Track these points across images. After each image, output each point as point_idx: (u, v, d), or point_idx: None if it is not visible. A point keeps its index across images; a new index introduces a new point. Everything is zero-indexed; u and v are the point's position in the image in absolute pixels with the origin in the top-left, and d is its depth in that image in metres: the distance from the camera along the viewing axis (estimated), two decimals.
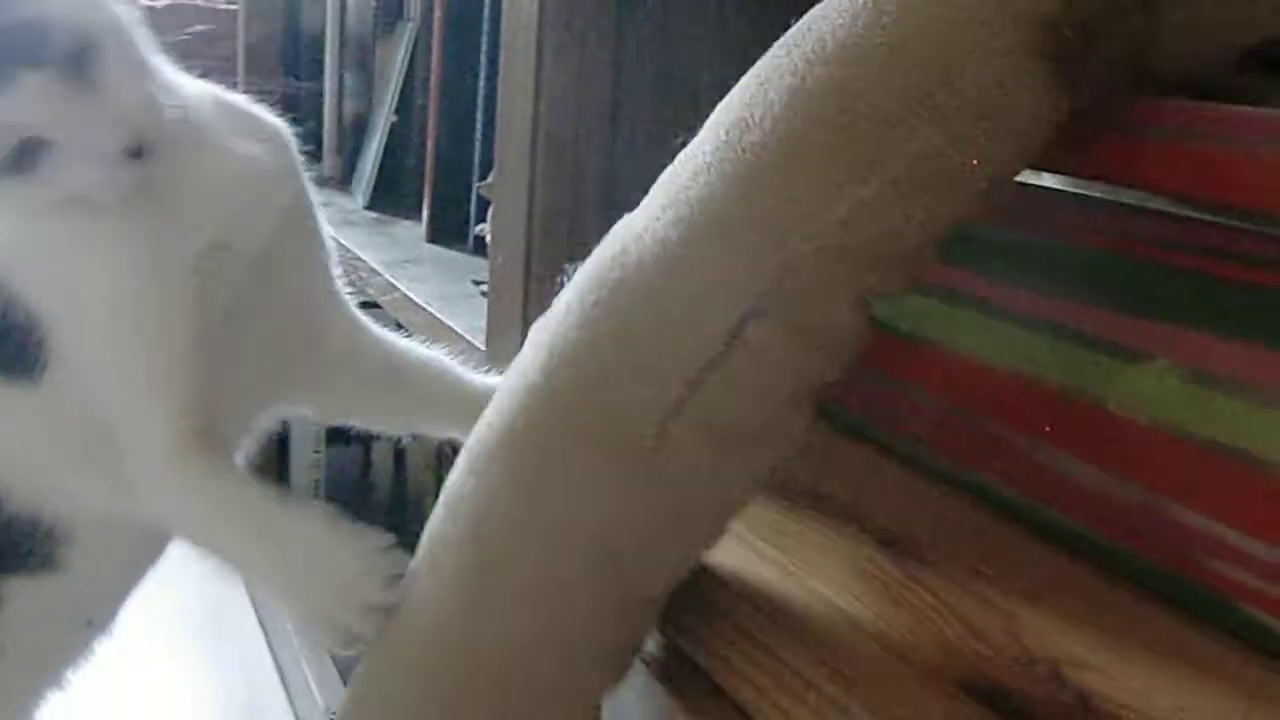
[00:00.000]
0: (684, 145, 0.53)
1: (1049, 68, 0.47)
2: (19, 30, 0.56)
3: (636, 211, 0.53)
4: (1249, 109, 0.48)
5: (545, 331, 0.54)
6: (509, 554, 0.53)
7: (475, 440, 0.55)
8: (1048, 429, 0.60)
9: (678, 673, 0.57)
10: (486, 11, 1.26)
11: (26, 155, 0.56)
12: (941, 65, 0.46)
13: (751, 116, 0.49)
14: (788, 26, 0.51)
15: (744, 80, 0.51)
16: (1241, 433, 0.51)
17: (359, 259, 1.23)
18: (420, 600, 0.56)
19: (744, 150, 0.49)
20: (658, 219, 0.51)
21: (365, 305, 0.75)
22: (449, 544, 0.55)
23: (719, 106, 0.52)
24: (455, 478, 0.56)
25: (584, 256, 0.76)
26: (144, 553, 0.70)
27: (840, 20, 0.48)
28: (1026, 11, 0.46)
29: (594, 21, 0.79)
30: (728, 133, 0.50)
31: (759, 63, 0.51)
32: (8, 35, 0.55)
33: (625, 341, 0.51)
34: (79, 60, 0.57)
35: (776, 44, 0.51)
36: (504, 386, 0.55)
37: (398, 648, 0.57)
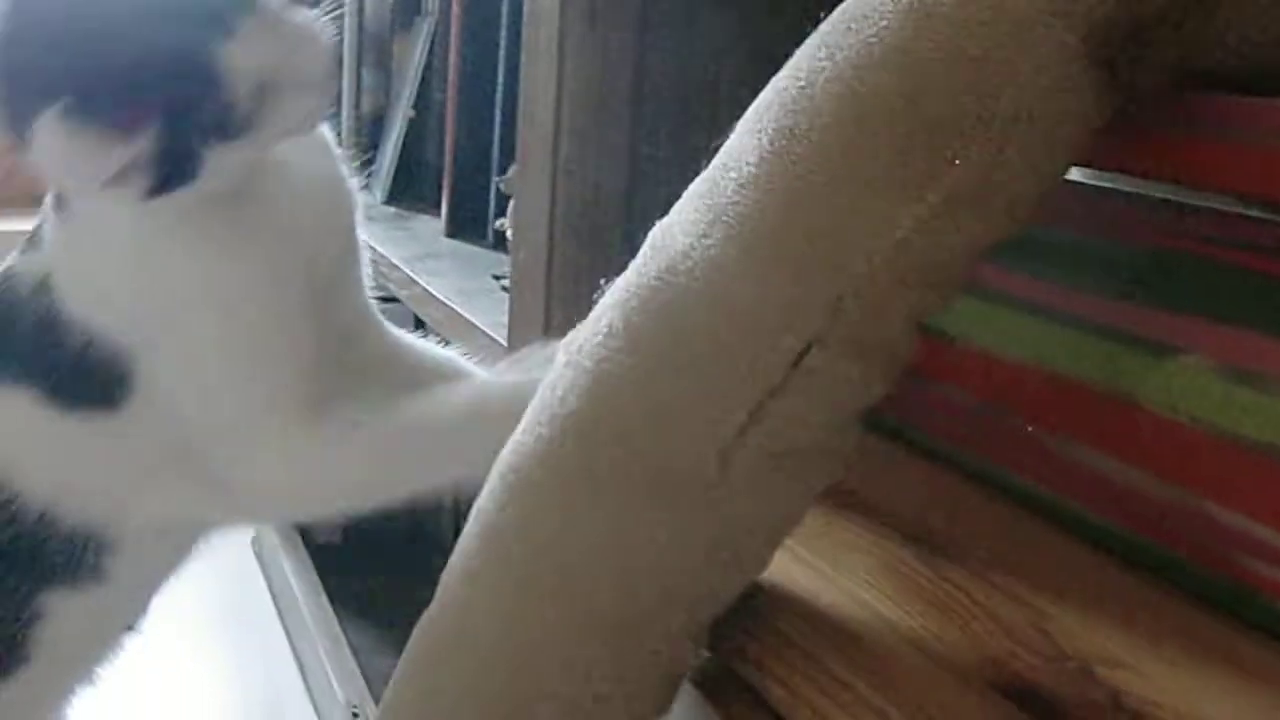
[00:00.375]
0: (713, 149, 0.52)
1: (1102, 73, 0.46)
2: None
3: (673, 223, 0.51)
4: None
5: (584, 354, 0.52)
6: (552, 586, 0.52)
7: (511, 465, 0.53)
8: (1079, 425, 0.60)
9: (711, 678, 0.57)
10: (505, 6, 1.25)
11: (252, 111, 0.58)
12: (998, 73, 0.45)
13: (798, 126, 0.48)
14: (810, 18, 0.50)
15: (780, 82, 0.50)
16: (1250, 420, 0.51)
17: (379, 254, 1.22)
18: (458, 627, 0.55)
19: (793, 163, 0.47)
20: (705, 237, 0.49)
21: (385, 300, 0.75)
22: (485, 570, 0.54)
23: (753, 109, 0.51)
24: (489, 502, 0.54)
25: (605, 256, 0.76)
26: (183, 553, 0.70)
27: (886, 23, 0.47)
28: (1081, 17, 0.45)
29: (616, 13, 0.79)
30: (773, 142, 0.48)
31: (794, 63, 0.50)
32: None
33: (681, 370, 0.49)
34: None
35: (811, 43, 0.50)
36: (538, 405, 0.53)
37: (434, 667, 0.56)
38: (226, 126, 0.58)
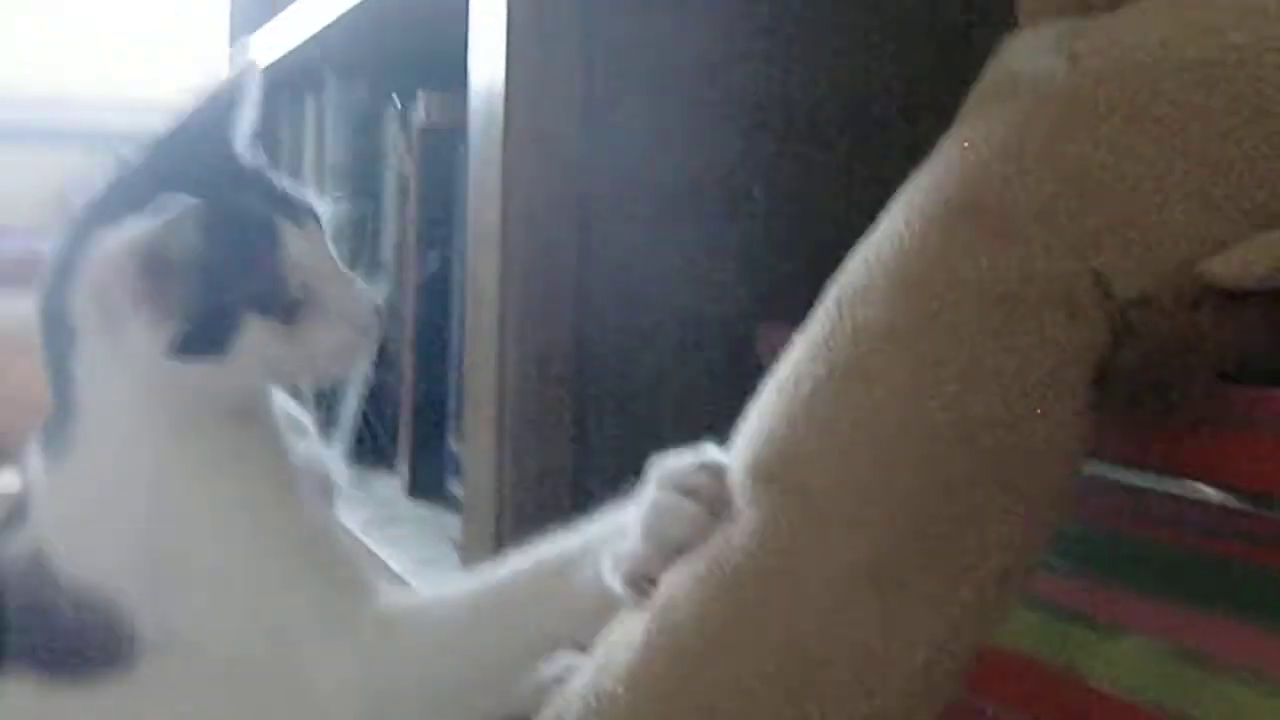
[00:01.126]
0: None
1: (1108, 414, 0.46)
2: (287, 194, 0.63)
3: (678, 611, 0.48)
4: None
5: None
6: None
7: None
8: (1031, 702, 0.58)
9: None
10: (457, 265, 1.27)
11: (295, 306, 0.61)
12: (1018, 437, 0.45)
13: (825, 508, 0.46)
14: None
15: (782, 438, 0.47)
16: (1232, 714, 0.49)
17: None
18: None
19: (825, 555, 0.45)
20: (735, 660, 0.45)
21: None
22: None
23: (756, 460, 0.48)
24: None
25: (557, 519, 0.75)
26: None
27: (884, 394, 0.46)
28: (1092, 368, 0.45)
29: (554, 302, 0.80)
30: (791, 515, 0.46)
31: (793, 420, 0.47)
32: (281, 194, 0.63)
33: None
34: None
35: (811, 391, 0.47)
36: None
37: None
38: (268, 302, 0.59)
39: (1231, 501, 0.50)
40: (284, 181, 0.63)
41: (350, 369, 0.67)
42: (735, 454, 0.48)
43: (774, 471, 0.46)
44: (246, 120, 0.66)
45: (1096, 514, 0.57)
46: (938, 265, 0.45)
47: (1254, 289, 0.44)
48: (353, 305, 0.63)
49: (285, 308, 0.60)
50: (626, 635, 0.48)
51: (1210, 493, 0.50)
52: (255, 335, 0.59)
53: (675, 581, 0.47)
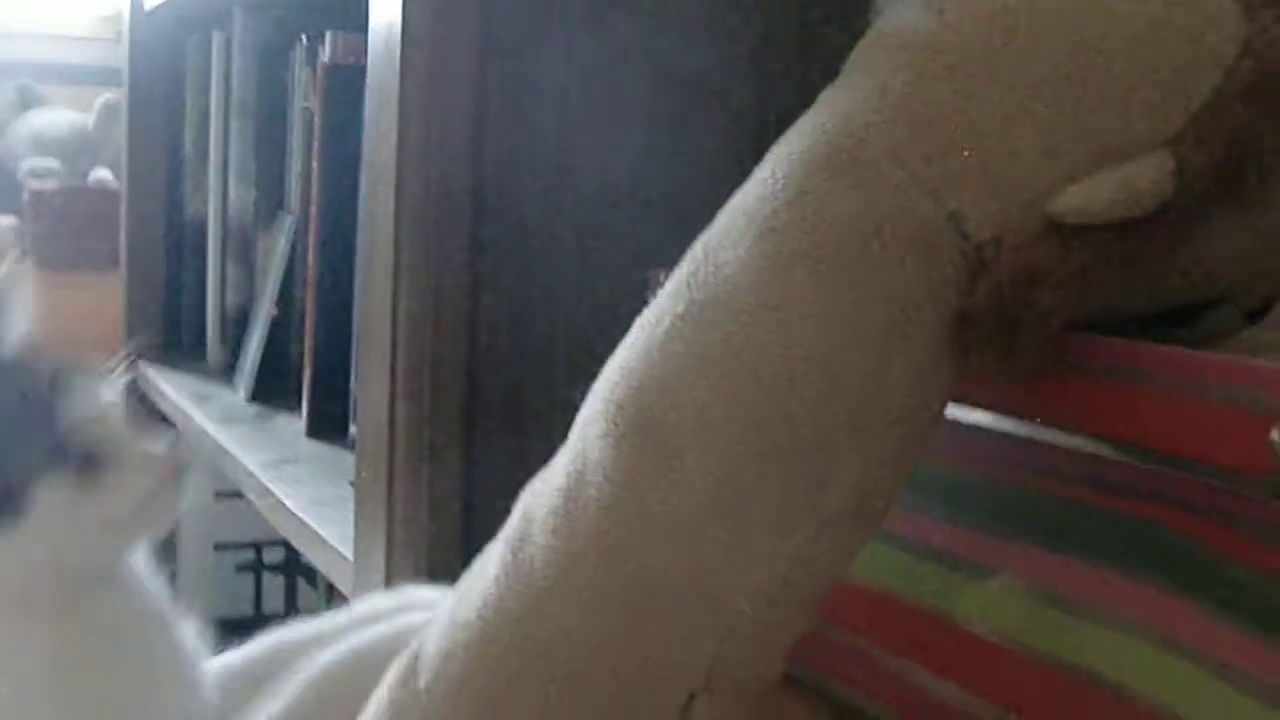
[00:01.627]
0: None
1: (965, 358, 0.47)
2: None
3: (529, 538, 0.48)
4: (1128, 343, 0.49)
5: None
6: None
7: None
8: (904, 641, 0.60)
9: None
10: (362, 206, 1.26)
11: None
12: (871, 375, 0.45)
13: (671, 440, 0.46)
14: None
15: (637, 373, 0.48)
16: (1093, 654, 0.51)
17: (236, 459, 1.21)
18: None
19: (661, 495, 0.45)
20: (566, 575, 0.46)
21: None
22: None
23: (610, 395, 0.48)
24: None
25: (445, 474, 0.76)
26: None
27: (736, 331, 0.46)
28: (948, 307, 0.46)
29: (449, 243, 0.80)
30: (638, 447, 0.46)
31: (649, 355, 0.48)
32: None
33: None
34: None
35: (669, 327, 0.48)
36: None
37: None
38: (57, 460, 0.57)
39: (1089, 448, 0.51)
40: None
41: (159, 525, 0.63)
42: (595, 390, 0.49)
43: (626, 406, 0.47)
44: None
45: (964, 459, 0.58)
46: (796, 208, 0.46)
47: (1096, 223, 0.46)
48: (148, 461, 0.60)
49: (75, 460, 0.57)
50: (483, 567, 0.49)
51: (1069, 439, 0.52)
52: (52, 495, 0.56)
53: (529, 513, 0.48)
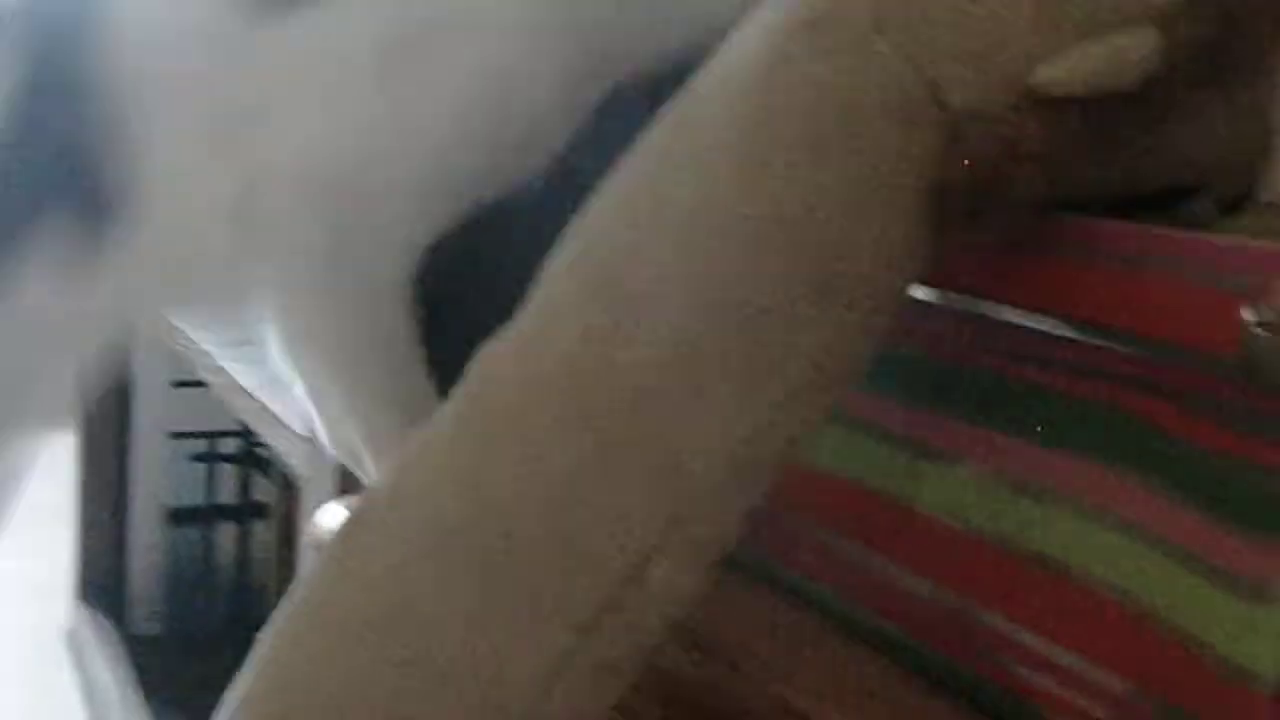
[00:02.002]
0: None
1: (937, 233, 0.46)
2: None
3: (494, 413, 0.46)
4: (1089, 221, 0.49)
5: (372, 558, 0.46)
6: None
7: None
8: (866, 530, 0.60)
9: None
10: None
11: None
12: (841, 243, 0.44)
13: (635, 298, 0.45)
14: None
15: (603, 229, 0.47)
16: (1058, 542, 0.51)
17: (191, 341, 1.20)
18: None
19: (632, 345, 0.44)
20: (536, 447, 0.45)
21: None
22: None
23: (575, 250, 0.47)
24: None
25: None
26: None
27: (704, 189, 0.45)
28: (922, 179, 0.45)
29: None
30: (602, 304, 0.45)
31: (617, 211, 0.47)
32: None
33: (498, 594, 0.44)
34: None
35: (638, 184, 0.47)
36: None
37: None
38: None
39: (1058, 331, 0.51)
40: None
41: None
42: (561, 245, 0.48)
43: (591, 262, 0.46)
44: None
45: (931, 341, 0.58)
46: (773, 73, 0.45)
47: (1079, 94, 0.45)
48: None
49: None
50: (436, 423, 0.48)
51: (1037, 322, 0.51)
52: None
53: (485, 372, 0.47)
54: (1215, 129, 0.50)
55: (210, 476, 1.96)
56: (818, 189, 0.44)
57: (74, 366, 0.50)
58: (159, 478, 1.86)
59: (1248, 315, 0.42)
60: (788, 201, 0.44)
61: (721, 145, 0.45)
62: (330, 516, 0.70)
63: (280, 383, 1.02)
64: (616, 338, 0.44)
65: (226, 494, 1.95)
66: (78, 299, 0.47)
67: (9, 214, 0.45)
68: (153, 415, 1.83)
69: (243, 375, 1.05)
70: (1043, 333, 0.51)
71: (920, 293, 0.56)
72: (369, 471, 0.64)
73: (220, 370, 1.08)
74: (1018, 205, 0.46)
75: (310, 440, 0.87)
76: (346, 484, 0.83)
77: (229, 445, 1.94)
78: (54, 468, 0.60)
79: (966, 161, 0.44)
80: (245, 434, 1.80)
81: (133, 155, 0.47)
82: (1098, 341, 0.49)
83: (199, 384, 1.21)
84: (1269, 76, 0.50)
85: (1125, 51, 0.45)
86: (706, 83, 0.48)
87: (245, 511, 1.89)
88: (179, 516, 1.89)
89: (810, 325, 0.45)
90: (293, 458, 0.94)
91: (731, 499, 0.46)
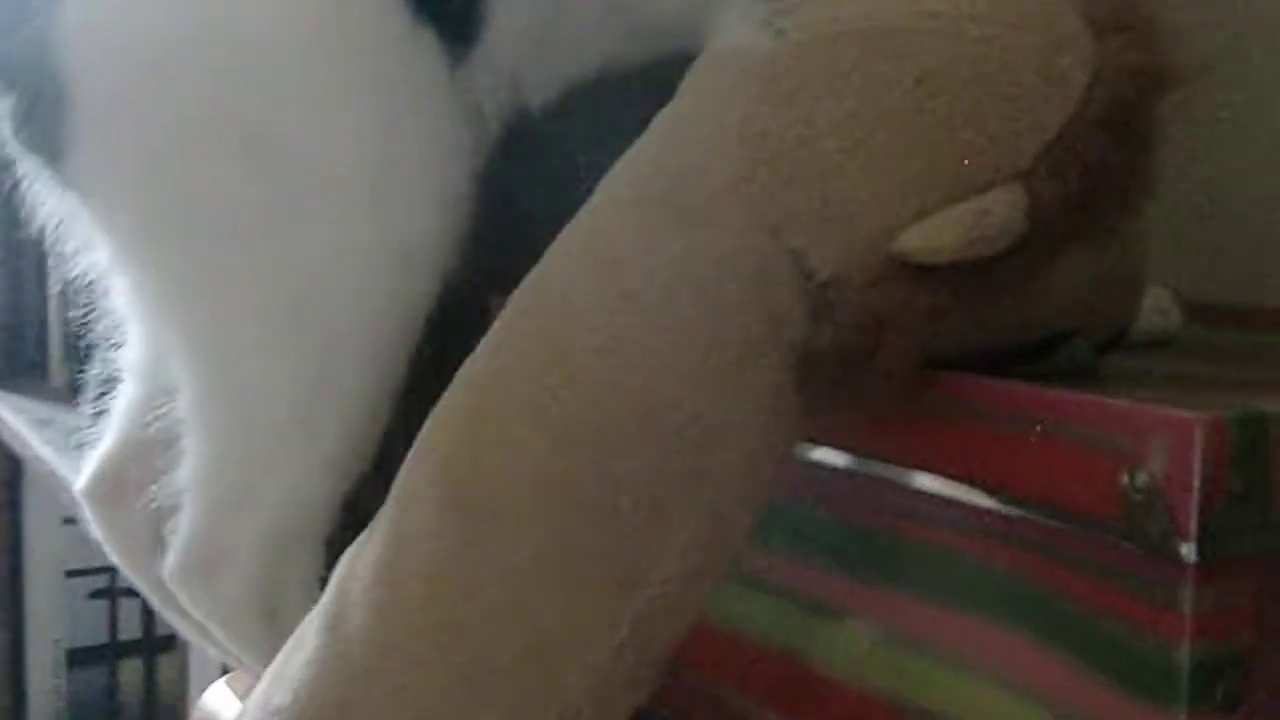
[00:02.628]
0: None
1: (809, 402, 0.45)
2: None
3: (350, 590, 0.45)
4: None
5: None
6: None
7: None
8: (760, 686, 0.58)
9: None
10: None
11: None
12: (709, 430, 0.43)
13: (497, 504, 0.43)
14: None
15: (460, 429, 0.45)
16: (945, 698, 0.50)
17: None
18: None
19: (497, 556, 0.43)
20: (404, 678, 0.42)
21: None
22: None
23: (430, 455, 0.45)
24: None
25: None
26: None
27: (577, 384, 0.43)
28: (791, 351, 0.44)
29: None
30: (462, 512, 0.43)
31: (473, 408, 0.45)
32: None
33: None
34: None
35: (493, 376, 0.45)
36: None
37: None
38: None
39: (947, 490, 0.50)
40: None
41: None
42: (415, 449, 0.45)
43: (448, 467, 0.44)
44: None
45: (819, 499, 0.56)
46: (634, 247, 0.44)
47: (945, 262, 0.43)
48: None
49: None
50: (300, 641, 0.45)
51: (928, 481, 0.50)
52: None
53: (344, 586, 0.45)
54: (1087, 276, 0.49)
55: (112, 612, 1.89)
56: (682, 371, 0.42)
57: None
58: (56, 618, 1.80)
59: (1125, 479, 0.41)
60: (652, 388, 0.42)
61: (582, 329, 0.43)
62: (216, 698, 0.67)
63: None
64: (483, 548, 0.42)
65: (130, 629, 1.88)
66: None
67: None
68: (46, 553, 1.77)
69: None
70: (929, 491, 0.50)
71: (810, 453, 0.55)
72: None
73: None
74: (889, 370, 0.45)
75: None
76: None
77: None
78: None
79: (833, 331, 0.43)
80: None
81: None
82: (980, 501, 0.48)
83: None
84: (1136, 222, 0.49)
85: (991, 214, 0.43)
86: (557, 260, 0.46)
87: (150, 646, 1.83)
88: (78, 657, 1.83)
89: (684, 513, 0.43)
90: None
91: (622, 694, 0.44)
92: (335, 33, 0.55)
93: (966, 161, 0.45)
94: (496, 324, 0.46)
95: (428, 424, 0.45)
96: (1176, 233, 0.67)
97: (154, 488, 0.59)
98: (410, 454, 0.45)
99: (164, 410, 0.59)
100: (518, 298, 0.46)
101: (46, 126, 0.55)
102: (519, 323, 0.45)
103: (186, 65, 0.54)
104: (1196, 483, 0.40)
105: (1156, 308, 0.58)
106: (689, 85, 0.48)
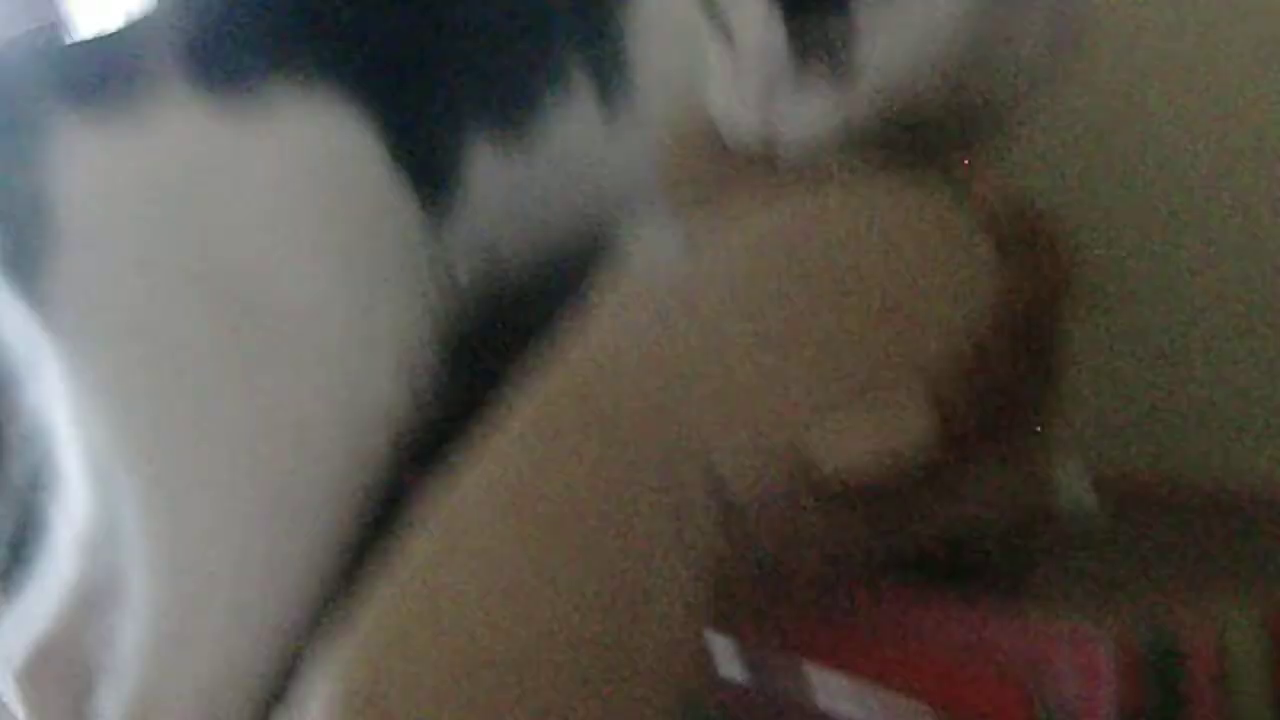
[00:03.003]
0: None
1: (725, 622, 0.45)
2: None
3: None
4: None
5: None
6: None
7: None
8: None
9: None
10: None
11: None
12: (617, 654, 0.43)
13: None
14: None
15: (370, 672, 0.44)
16: None
17: None
18: None
19: None
20: None
21: None
22: None
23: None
24: None
25: None
26: None
27: (474, 626, 0.43)
28: (708, 571, 0.44)
29: None
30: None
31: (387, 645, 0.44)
32: None
33: None
34: None
35: (401, 614, 0.44)
36: None
37: None
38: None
39: (871, 699, 0.49)
40: None
41: None
42: (320, 677, 0.44)
43: (358, 693, 0.43)
44: None
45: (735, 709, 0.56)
46: (549, 473, 0.43)
47: (855, 484, 0.44)
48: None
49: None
50: None
51: (850, 688, 0.50)
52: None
53: None
54: (1000, 485, 0.50)
55: None
56: (593, 599, 0.42)
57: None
58: None
59: (1038, 703, 0.41)
60: (564, 619, 0.42)
61: (487, 562, 0.43)
62: None
63: None
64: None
65: None
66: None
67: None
68: None
69: None
70: (855, 698, 0.50)
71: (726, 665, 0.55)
72: None
73: None
74: (805, 589, 0.45)
75: None
76: None
77: None
78: None
79: (750, 553, 0.43)
80: None
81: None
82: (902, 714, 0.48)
83: None
84: (1045, 431, 0.50)
85: (898, 438, 0.43)
86: (471, 487, 0.45)
87: None
88: None
89: None
90: None
91: None
92: (321, 192, 0.57)
93: (877, 372, 0.45)
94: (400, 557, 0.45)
95: (340, 645, 0.44)
96: (1091, 408, 0.68)
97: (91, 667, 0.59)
98: (314, 686, 0.44)
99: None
100: (429, 525, 0.45)
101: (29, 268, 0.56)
102: (426, 559, 0.44)
103: (173, 224, 0.56)
104: (1106, 706, 0.40)
105: (1071, 483, 0.59)
106: (603, 301, 0.48)
